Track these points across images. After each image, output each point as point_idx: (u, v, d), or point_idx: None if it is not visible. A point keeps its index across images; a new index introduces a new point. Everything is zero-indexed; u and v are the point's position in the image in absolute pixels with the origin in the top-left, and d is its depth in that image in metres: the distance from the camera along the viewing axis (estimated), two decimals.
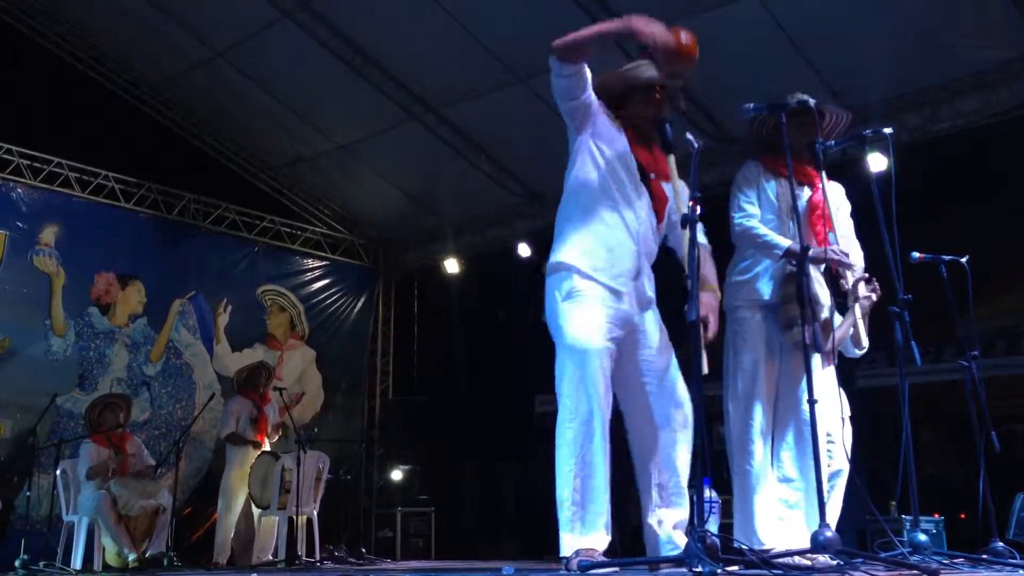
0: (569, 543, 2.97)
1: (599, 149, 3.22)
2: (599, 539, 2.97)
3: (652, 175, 3.25)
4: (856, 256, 3.67)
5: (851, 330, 3.64)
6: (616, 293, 3.12)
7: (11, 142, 7.91)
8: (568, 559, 2.93)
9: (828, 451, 3.47)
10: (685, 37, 3.10)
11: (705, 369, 2.96)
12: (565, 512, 3.00)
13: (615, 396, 3.13)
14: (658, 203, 3.25)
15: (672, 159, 3.20)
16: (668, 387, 3.18)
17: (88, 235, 8.25)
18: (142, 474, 6.60)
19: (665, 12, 7.14)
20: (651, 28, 3.06)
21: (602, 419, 3.01)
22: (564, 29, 7.37)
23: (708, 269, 3.25)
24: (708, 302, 3.13)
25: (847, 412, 3.66)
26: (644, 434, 3.16)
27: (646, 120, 3.28)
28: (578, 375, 3.03)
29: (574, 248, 3.16)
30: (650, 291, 3.25)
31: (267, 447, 7.29)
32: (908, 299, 3.49)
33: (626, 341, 3.15)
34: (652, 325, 3.23)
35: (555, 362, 3.13)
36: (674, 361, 3.24)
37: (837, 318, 3.66)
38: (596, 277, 3.11)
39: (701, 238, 3.27)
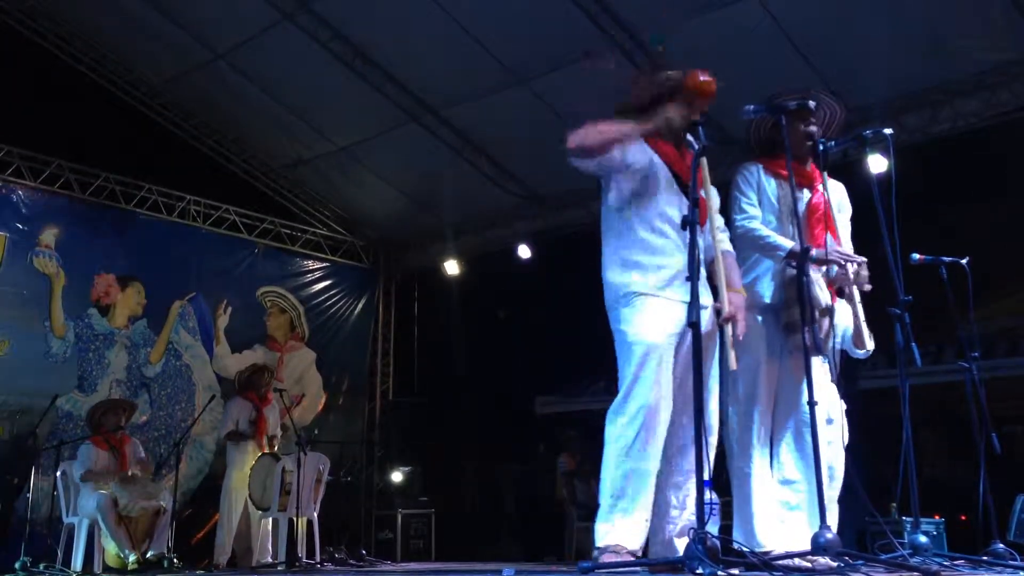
0: (603, 533, 3.00)
1: (633, 169, 3.26)
2: (634, 533, 2.99)
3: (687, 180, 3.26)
4: None
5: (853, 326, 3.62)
6: (678, 303, 3.15)
7: (11, 143, 7.91)
8: (598, 550, 2.96)
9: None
10: (703, 77, 3.17)
11: (733, 365, 3.02)
12: (605, 502, 3.04)
13: None
14: (701, 211, 3.21)
15: (704, 161, 3.20)
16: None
17: (88, 236, 8.25)
18: (143, 475, 6.60)
19: (666, 14, 7.15)
20: (667, 117, 3.17)
21: (651, 415, 3.04)
22: (564, 30, 7.40)
23: (734, 272, 3.29)
24: (736, 302, 3.15)
25: (842, 407, 3.63)
26: (673, 433, 3.16)
27: (677, 125, 3.28)
28: (634, 371, 3.08)
29: (629, 270, 3.21)
30: (705, 294, 3.25)
31: (266, 449, 7.29)
32: (908, 300, 3.49)
33: (681, 342, 3.18)
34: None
35: (617, 358, 3.18)
36: (713, 364, 3.24)
37: (846, 320, 3.63)
38: (657, 294, 3.16)
39: (726, 244, 3.31)
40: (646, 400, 3.04)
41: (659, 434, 3.06)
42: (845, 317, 3.69)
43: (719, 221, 3.34)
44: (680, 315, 3.11)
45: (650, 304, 3.14)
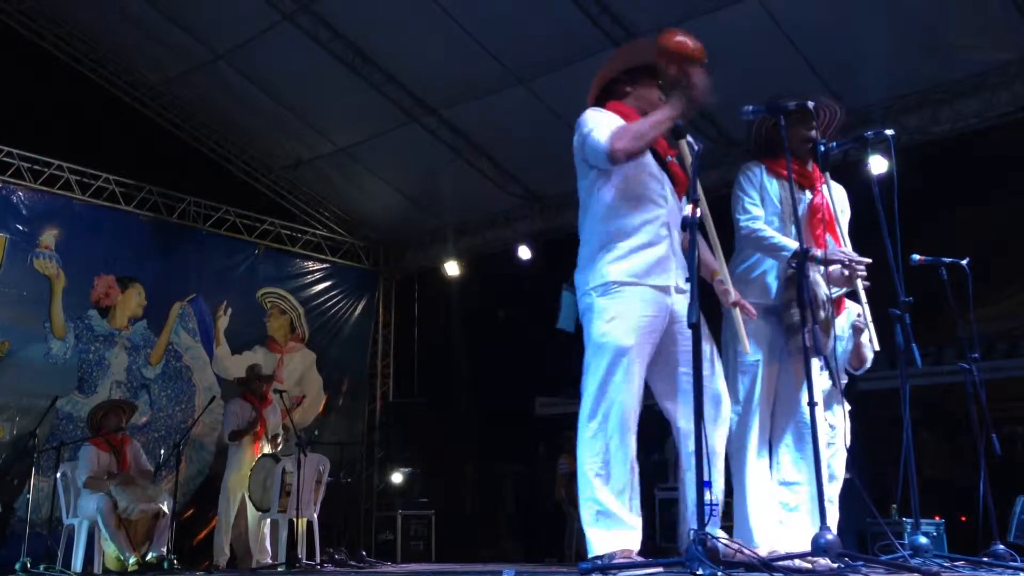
0: (598, 542, 2.93)
1: None
2: (629, 537, 2.92)
3: (669, 157, 3.21)
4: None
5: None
6: (661, 289, 3.07)
7: (11, 144, 7.91)
8: (602, 558, 2.89)
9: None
10: (678, 37, 3.11)
11: (747, 349, 3.02)
12: (589, 511, 2.96)
13: (661, 392, 3.11)
14: (679, 185, 3.19)
15: (683, 143, 3.14)
16: (674, 374, 3.10)
17: (88, 238, 8.24)
18: (143, 478, 6.60)
19: (666, 14, 7.17)
20: (695, 98, 3.06)
21: (623, 418, 2.95)
22: (564, 31, 7.38)
23: (710, 255, 3.20)
24: (732, 287, 3.11)
25: (846, 408, 3.63)
26: (683, 428, 3.09)
27: (656, 104, 3.20)
28: (602, 373, 2.98)
29: (609, 259, 3.08)
30: (682, 276, 3.14)
31: (268, 450, 7.30)
32: (909, 301, 3.48)
33: (667, 334, 3.09)
34: (680, 311, 3.11)
35: (586, 346, 3.08)
36: (713, 352, 3.18)
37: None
38: (637, 281, 3.05)
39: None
40: (618, 403, 2.96)
41: (633, 433, 2.98)
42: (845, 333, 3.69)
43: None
44: (659, 301, 3.05)
45: (626, 296, 3.03)
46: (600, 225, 3.14)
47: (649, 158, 3.17)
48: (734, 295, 3.03)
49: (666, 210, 3.15)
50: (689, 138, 3.10)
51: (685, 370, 3.07)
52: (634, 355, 3.00)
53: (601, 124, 3.12)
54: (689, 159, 3.10)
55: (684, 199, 3.18)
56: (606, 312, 3.03)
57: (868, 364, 3.62)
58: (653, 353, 3.08)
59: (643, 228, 3.09)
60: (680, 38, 3.14)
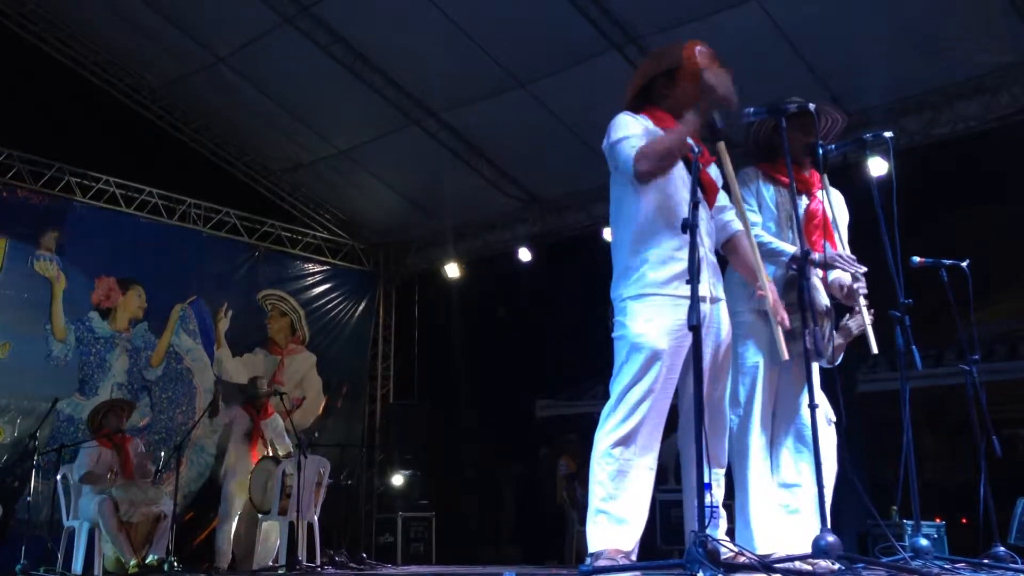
0: (595, 538, 2.93)
1: None
2: (627, 536, 2.92)
3: (700, 164, 3.16)
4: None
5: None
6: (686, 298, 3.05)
7: (12, 147, 7.92)
8: (593, 555, 2.90)
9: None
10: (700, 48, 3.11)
11: (785, 356, 3.04)
12: (591, 507, 2.98)
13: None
14: (708, 192, 3.15)
15: (722, 145, 3.13)
16: (710, 384, 3.10)
17: (89, 240, 8.24)
18: (144, 479, 6.60)
19: (666, 17, 7.16)
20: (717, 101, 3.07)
21: (645, 417, 2.96)
22: (564, 33, 7.37)
23: (752, 260, 3.19)
24: (774, 291, 3.10)
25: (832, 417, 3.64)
26: (687, 429, 3.09)
27: (690, 107, 3.13)
28: (634, 374, 2.98)
29: (641, 269, 3.08)
30: (716, 285, 3.19)
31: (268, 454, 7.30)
32: (909, 303, 3.48)
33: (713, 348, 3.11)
34: (714, 319, 3.14)
35: (614, 353, 3.09)
36: (726, 359, 3.20)
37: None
38: (664, 292, 3.05)
39: (738, 224, 3.26)
40: (641, 403, 2.97)
41: (652, 435, 3.00)
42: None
43: (726, 199, 3.24)
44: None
45: (659, 303, 3.03)
46: (630, 233, 3.14)
47: (678, 165, 3.14)
48: (771, 301, 3.03)
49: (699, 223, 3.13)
50: (688, 140, 3.09)
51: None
52: (667, 359, 3.00)
53: (631, 135, 3.10)
54: (728, 162, 3.09)
55: (715, 204, 3.22)
56: (641, 315, 3.03)
57: (839, 360, 3.62)
58: (687, 360, 3.05)
59: (673, 237, 3.06)
60: (696, 48, 3.12)
